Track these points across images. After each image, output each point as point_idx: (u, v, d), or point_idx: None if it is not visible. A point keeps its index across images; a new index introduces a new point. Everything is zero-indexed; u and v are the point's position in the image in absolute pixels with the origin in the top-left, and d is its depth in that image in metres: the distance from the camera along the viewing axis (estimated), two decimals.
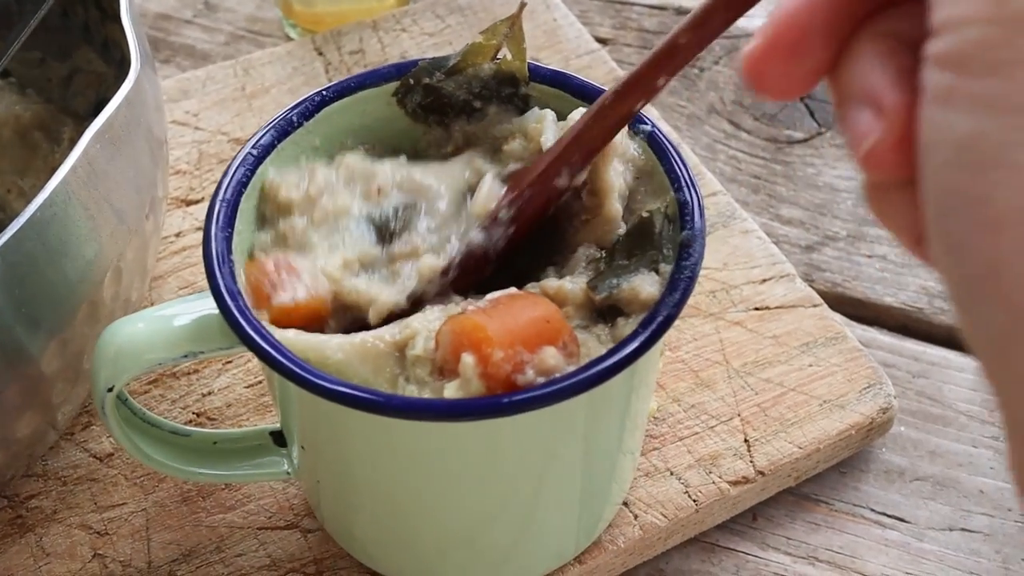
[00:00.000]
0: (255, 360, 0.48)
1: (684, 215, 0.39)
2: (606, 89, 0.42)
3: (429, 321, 0.37)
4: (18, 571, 0.46)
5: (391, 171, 0.42)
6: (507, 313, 0.36)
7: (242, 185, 0.40)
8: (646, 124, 0.41)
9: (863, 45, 0.27)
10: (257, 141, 0.41)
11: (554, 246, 0.42)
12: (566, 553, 0.45)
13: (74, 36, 0.58)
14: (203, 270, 0.38)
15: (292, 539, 0.47)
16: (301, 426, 0.40)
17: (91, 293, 0.43)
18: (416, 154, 0.44)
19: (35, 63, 0.60)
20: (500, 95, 0.43)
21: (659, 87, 0.36)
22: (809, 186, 0.65)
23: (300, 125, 0.42)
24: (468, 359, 0.35)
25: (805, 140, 0.67)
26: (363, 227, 0.41)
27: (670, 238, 0.39)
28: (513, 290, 0.38)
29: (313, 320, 0.39)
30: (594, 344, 0.38)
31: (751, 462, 0.49)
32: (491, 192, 0.41)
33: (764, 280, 0.56)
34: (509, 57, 0.43)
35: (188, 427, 0.44)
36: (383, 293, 0.39)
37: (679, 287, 0.36)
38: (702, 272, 0.55)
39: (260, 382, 0.53)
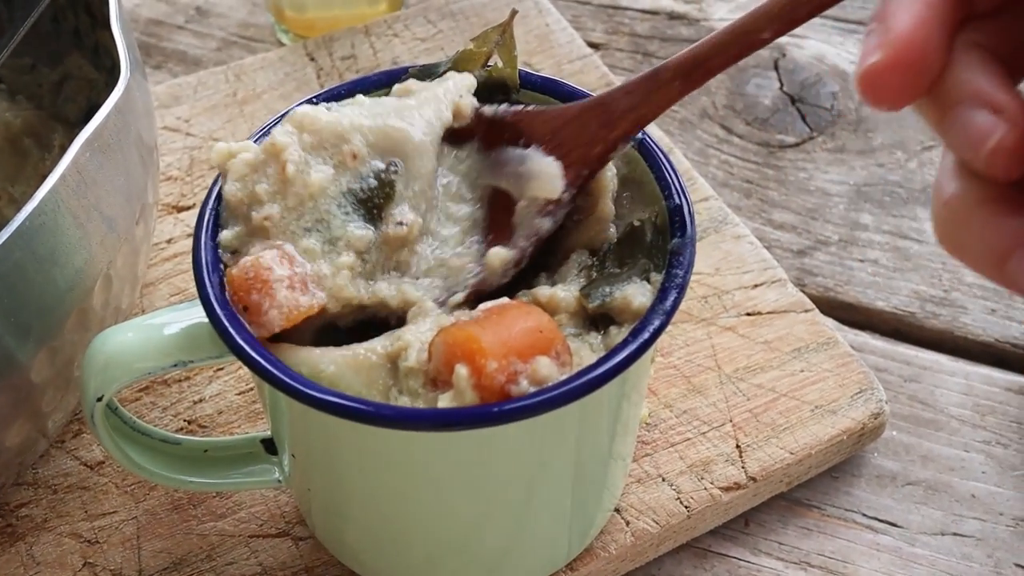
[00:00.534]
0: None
1: (674, 222, 0.39)
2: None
3: (421, 333, 0.37)
4: None
5: (359, 124, 0.39)
6: (500, 323, 0.36)
7: None
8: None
9: (961, 55, 0.28)
10: None
11: (544, 250, 0.42)
12: (558, 560, 0.45)
13: (65, 42, 0.58)
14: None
15: (283, 547, 0.47)
16: (291, 435, 0.40)
17: (81, 301, 0.43)
18: None
19: (26, 69, 0.60)
20: (490, 102, 0.43)
21: (764, 40, 0.35)
22: (801, 191, 0.65)
23: None
24: (462, 370, 0.35)
25: (797, 145, 0.67)
26: (347, 206, 0.39)
27: (660, 247, 0.39)
28: (505, 299, 0.38)
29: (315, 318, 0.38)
30: (587, 353, 0.38)
31: (743, 468, 0.49)
32: (551, 170, 0.39)
33: (756, 285, 0.56)
34: (500, 64, 0.43)
35: (178, 435, 0.44)
36: (420, 295, 0.39)
37: (669, 295, 0.37)
38: (694, 277, 0.55)
39: (251, 389, 0.52)
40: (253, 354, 0.35)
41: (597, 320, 0.39)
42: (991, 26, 0.29)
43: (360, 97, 0.42)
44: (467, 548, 0.42)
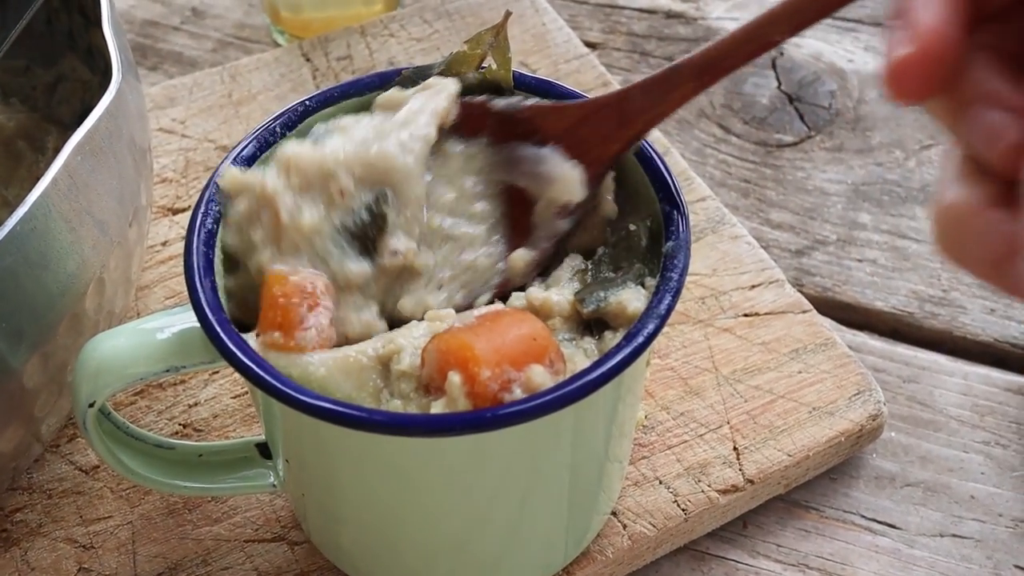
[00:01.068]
0: None
1: (669, 225, 0.39)
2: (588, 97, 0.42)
3: (415, 337, 0.37)
4: None
5: (343, 159, 0.39)
6: (493, 331, 0.36)
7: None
8: None
9: (975, 56, 0.30)
10: (239, 153, 0.40)
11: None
12: (554, 564, 0.45)
13: (58, 43, 0.58)
14: None
15: (279, 552, 0.47)
16: (285, 440, 0.40)
17: (73, 305, 0.43)
18: None
19: (20, 71, 0.60)
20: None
21: (775, 41, 0.35)
22: (799, 190, 0.64)
23: (283, 135, 0.42)
24: (455, 378, 0.34)
25: (795, 144, 0.67)
26: (342, 242, 0.39)
27: (656, 251, 0.39)
28: (499, 305, 0.38)
29: None
30: (581, 359, 0.37)
31: (740, 470, 0.48)
32: (573, 175, 0.39)
33: (753, 286, 0.55)
34: (494, 67, 0.43)
35: (172, 440, 0.44)
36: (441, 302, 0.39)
37: (664, 299, 0.36)
38: (691, 278, 0.55)
39: (247, 393, 0.52)
40: (244, 359, 0.35)
41: (592, 325, 0.39)
42: (1001, 29, 0.30)
43: (345, 120, 0.41)
44: (462, 553, 0.42)
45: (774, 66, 0.71)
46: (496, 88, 0.43)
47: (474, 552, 0.42)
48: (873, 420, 0.50)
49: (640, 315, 0.36)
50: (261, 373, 0.34)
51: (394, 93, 0.42)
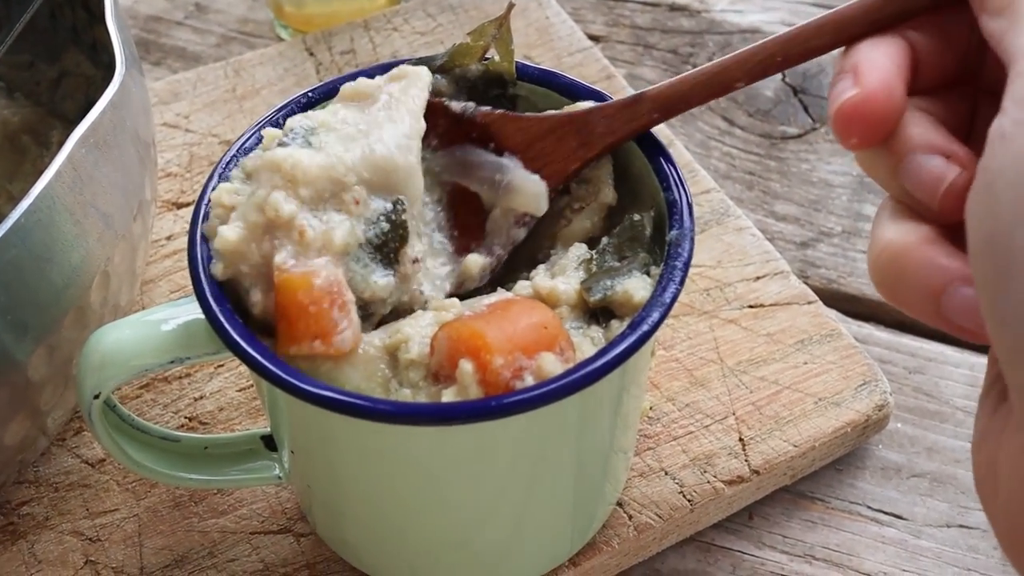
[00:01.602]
0: None
1: (673, 214, 0.39)
2: (594, 88, 0.42)
3: (421, 326, 0.37)
4: None
5: (349, 163, 0.37)
6: (504, 319, 0.36)
7: None
8: None
9: (912, 114, 0.33)
10: (242, 145, 0.40)
11: (536, 241, 0.41)
12: (560, 554, 0.45)
13: (62, 38, 0.58)
14: None
15: (285, 543, 0.47)
16: (290, 431, 0.40)
17: (78, 298, 0.43)
18: None
19: (24, 66, 0.60)
20: (488, 96, 0.43)
21: (737, 87, 0.38)
22: (804, 182, 0.64)
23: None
24: (467, 366, 0.34)
25: (799, 136, 0.67)
26: (365, 258, 0.37)
27: (660, 241, 0.39)
28: (508, 294, 0.38)
29: None
30: (588, 348, 0.37)
31: (746, 461, 0.48)
32: (538, 189, 0.40)
33: (758, 277, 0.55)
34: (497, 58, 0.43)
35: (178, 432, 0.44)
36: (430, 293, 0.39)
37: (668, 288, 0.36)
38: (696, 270, 0.55)
39: (252, 385, 0.52)
40: (249, 350, 0.35)
41: (598, 314, 0.39)
42: (935, 100, 0.34)
43: (319, 115, 0.39)
44: (468, 543, 0.42)
45: None
46: (499, 80, 0.43)
47: (480, 543, 0.42)
48: (879, 411, 0.50)
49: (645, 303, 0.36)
50: (266, 363, 0.34)
51: (361, 83, 0.40)
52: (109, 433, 0.41)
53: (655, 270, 0.38)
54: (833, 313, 0.55)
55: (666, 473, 0.48)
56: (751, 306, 0.54)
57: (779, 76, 0.70)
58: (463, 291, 0.40)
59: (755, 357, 0.52)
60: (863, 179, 0.64)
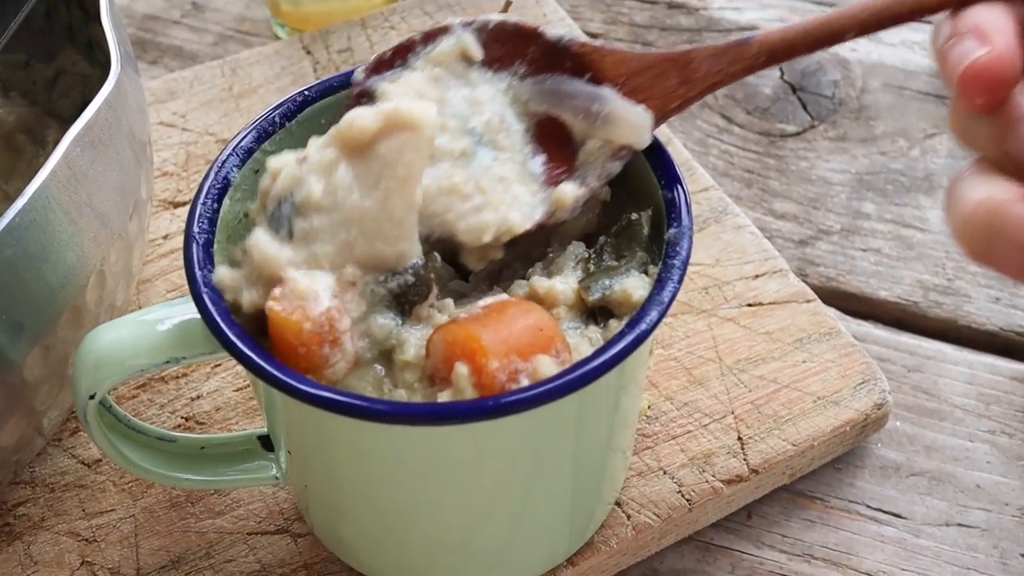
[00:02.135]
0: None
1: (671, 213, 0.38)
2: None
3: (417, 329, 0.37)
4: None
5: (339, 263, 0.36)
6: (500, 321, 0.36)
7: (223, 188, 0.39)
8: None
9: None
10: (239, 143, 0.40)
11: (531, 238, 0.41)
12: (558, 555, 0.45)
13: (58, 37, 0.58)
14: None
15: (282, 544, 0.47)
16: (287, 431, 0.40)
17: (74, 298, 0.43)
18: None
19: (19, 65, 0.60)
20: None
21: (846, 39, 0.37)
22: (802, 180, 0.64)
23: (283, 126, 0.42)
24: (462, 369, 0.34)
25: (798, 134, 0.67)
26: (383, 312, 0.36)
27: (658, 240, 0.38)
28: (504, 296, 0.38)
29: None
30: (586, 348, 0.37)
31: (745, 460, 0.48)
32: (642, 120, 0.39)
33: (757, 276, 0.55)
34: None
35: (174, 432, 0.44)
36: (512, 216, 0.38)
37: (666, 286, 0.36)
38: (694, 268, 0.55)
39: (249, 386, 0.52)
40: (245, 350, 0.35)
41: (596, 313, 0.39)
42: None
43: (328, 158, 0.36)
44: (466, 543, 0.42)
45: None
46: None
47: (477, 543, 0.42)
48: (878, 409, 0.50)
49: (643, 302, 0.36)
50: (262, 363, 0.34)
51: (356, 128, 0.36)
52: (105, 434, 0.40)
53: (653, 269, 0.38)
54: (832, 311, 0.55)
55: (664, 472, 0.48)
56: (750, 304, 0.54)
57: (777, 73, 0.70)
58: (554, 223, 0.39)
59: (754, 356, 0.52)
60: (862, 177, 0.64)
